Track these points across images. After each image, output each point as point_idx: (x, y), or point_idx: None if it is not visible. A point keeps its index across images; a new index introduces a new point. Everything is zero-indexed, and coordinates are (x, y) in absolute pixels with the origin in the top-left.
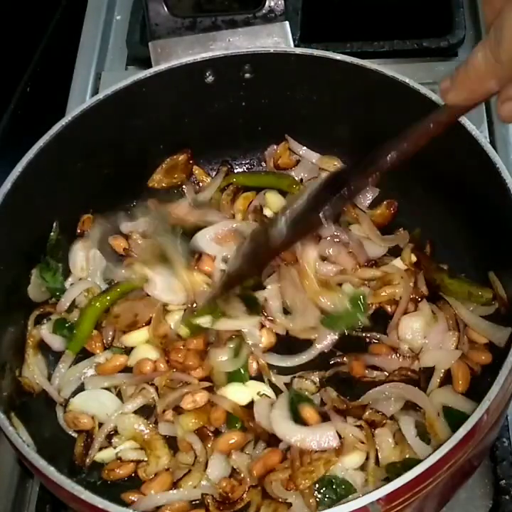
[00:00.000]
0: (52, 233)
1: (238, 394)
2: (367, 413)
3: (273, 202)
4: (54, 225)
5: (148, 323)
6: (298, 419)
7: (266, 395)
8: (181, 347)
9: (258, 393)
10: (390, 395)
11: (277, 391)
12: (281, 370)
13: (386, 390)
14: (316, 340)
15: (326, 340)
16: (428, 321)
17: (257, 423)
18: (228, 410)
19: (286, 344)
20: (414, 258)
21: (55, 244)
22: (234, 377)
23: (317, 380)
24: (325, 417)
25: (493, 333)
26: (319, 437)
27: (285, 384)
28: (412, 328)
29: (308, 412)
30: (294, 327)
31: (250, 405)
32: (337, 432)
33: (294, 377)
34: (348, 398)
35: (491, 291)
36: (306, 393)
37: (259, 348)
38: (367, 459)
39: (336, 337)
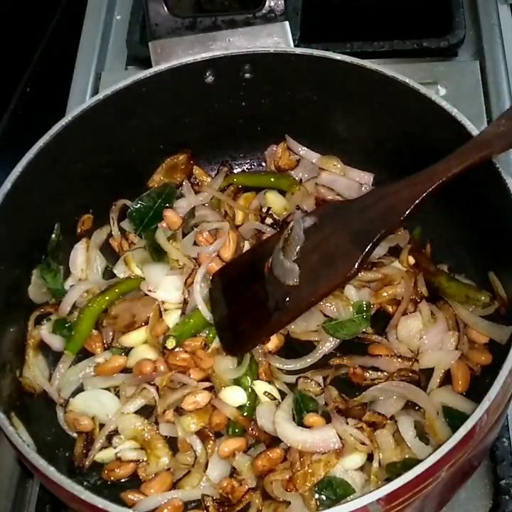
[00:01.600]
0: (53, 235)
1: (238, 397)
2: (367, 415)
3: (273, 202)
4: (55, 226)
5: (146, 323)
6: (301, 422)
7: (271, 395)
8: (179, 350)
9: (264, 393)
10: (390, 394)
11: (282, 393)
12: (285, 373)
13: (387, 388)
14: (319, 343)
15: (329, 342)
16: (426, 322)
17: (260, 426)
18: (230, 417)
19: (287, 346)
20: (412, 260)
21: (55, 246)
22: (238, 382)
23: (321, 381)
24: (327, 418)
25: (494, 331)
26: (320, 440)
27: (289, 384)
28: (410, 329)
29: (311, 418)
30: (295, 329)
31: (251, 411)
32: (338, 434)
33: (299, 377)
34: (349, 397)
35: (489, 295)
36: (311, 394)
37: (262, 352)
38: (370, 460)
39: (338, 340)
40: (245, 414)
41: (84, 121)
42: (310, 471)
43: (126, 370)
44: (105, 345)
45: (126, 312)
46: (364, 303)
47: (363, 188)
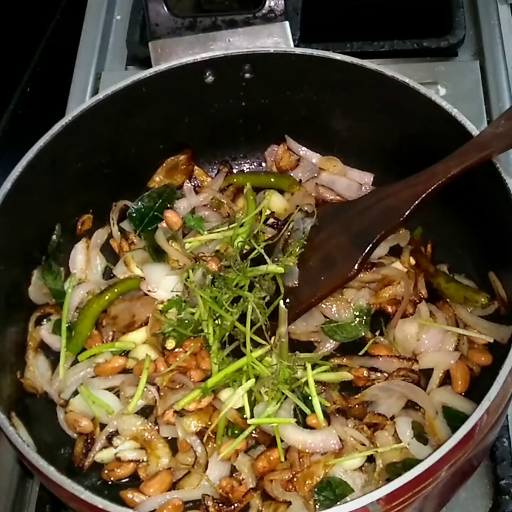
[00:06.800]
0: (54, 236)
1: (238, 398)
2: (367, 417)
3: (273, 202)
4: (56, 227)
5: (146, 323)
6: (301, 422)
7: (272, 394)
8: (179, 350)
9: (265, 392)
10: (390, 393)
11: (282, 394)
12: None
13: (387, 387)
14: (319, 344)
15: (329, 343)
16: (425, 323)
17: (260, 426)
18: (230, 419)
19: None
20: (413, 261)
21: (56, 247)
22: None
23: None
24: (328, 418)
25: (494, 331)
26: (320, 440)
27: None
28: (406, 333)
29: (314, 419)
30: (295, 330)
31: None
32: (338, 435)
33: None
34: (347, 394)
35: (487, 297)
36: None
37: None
38: (370, 460)
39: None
40: (245, 416)
41: (84, 121)
42: (310, 471)
43: (126, 370)
44: None
45: (126, 312)
46: (365, 307)
47: (363, 188)
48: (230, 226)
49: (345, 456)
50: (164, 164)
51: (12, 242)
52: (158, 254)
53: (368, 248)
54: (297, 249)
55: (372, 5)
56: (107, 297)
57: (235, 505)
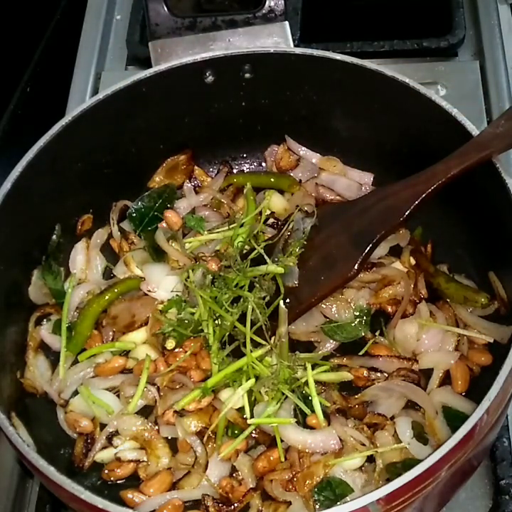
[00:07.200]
0: (54, 236)
1: (238, 398)
2: (367, 417)
3: (273, 202)
4: (56, 227)
5: (146, 323)
6: (301, 422)
7: (272, 394)
8: (179, 350)
9: (265, 392)
10: (390, 393)
11: (282, 393)
12: None
13: (387, 386)
14: (319, 344)
15: (330, 343)
16: (425, 323)
17: (260, 426)
18: (230, 419)
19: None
20: (413, 261)
21: (56, 247)
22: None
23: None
24: (328, 418)
25: (494, 331)
26: (320, 440)
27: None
28: (406, 333)
29: (314, 419)
30: (295, 330)
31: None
32: (338, 435)
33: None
34: (347, 394)
35: (487, 297)
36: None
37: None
38: (370, 461)
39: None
40: (245, 416)
41: (84, 121)
42: (310, 471)
43: (126, 370)
44: None
45: (126, 312)
46: (365, 307)
47: (362, 188)
48: (230, 226)
49: (345, 456)
50: (164, 164)
51: (12, 242)
52: (158, 254)
53: (368, 248)
54: (297, 249)
55: (372, 5)
56: (107, 297)
57: (235, 505)
